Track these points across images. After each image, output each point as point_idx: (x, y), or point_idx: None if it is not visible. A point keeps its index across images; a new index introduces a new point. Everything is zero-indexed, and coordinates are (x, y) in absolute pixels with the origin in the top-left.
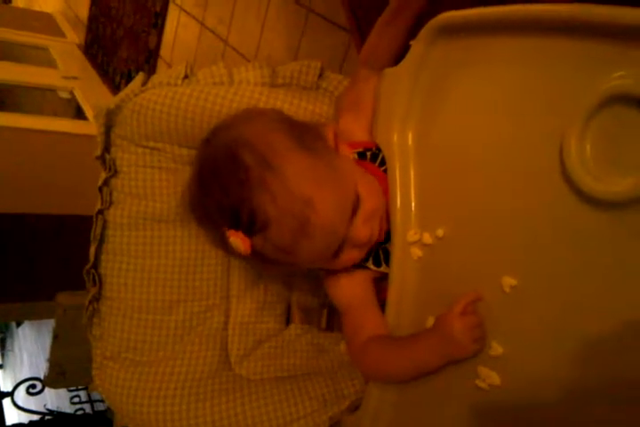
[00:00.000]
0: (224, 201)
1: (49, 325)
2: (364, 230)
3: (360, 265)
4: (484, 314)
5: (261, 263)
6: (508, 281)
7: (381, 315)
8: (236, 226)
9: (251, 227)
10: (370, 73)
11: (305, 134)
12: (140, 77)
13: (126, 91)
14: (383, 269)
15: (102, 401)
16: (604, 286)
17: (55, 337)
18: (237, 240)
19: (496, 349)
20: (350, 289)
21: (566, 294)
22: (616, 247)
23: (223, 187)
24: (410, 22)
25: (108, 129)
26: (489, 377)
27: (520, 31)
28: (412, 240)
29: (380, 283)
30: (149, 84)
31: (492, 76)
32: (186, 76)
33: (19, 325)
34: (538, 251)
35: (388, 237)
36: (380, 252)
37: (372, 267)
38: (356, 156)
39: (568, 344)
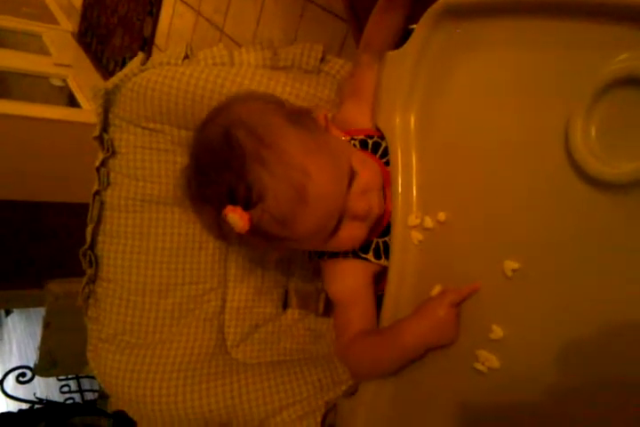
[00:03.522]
0: (220, 178)
1: (39, 314)
2: (362, 202)
3: (360, 257)
4: (486, 297)
5: (259, 243)
6: (511, 265)
7: (373, 309)
8: (234, 201)
9: (248, 200)
10: (371, 59)
11: (297, 114)
12: (138, 58)
13: (125, 71)
14: (383, 262)
15: (92, 391)
16: (605, 269)
17: (46, 325)
18: (235, 216)
19: (497, 332)
20: (347, 282)
21: (568, 278)
22: (617, 230)
23: (219, 164)
24: (408, 6)
25: (107, 109)
26: (488, 360)
27: (524, 14)
28: (413, 224)
29: (380, 279)
30: (149, 64)
31: (496, 59)
32: (186, 57)
33: (8, 314)
34: (540, 234)
35: (387, 230)
36: (381, 244)
37: (371, 259)
38: (357, 143)
39: (568, 328)
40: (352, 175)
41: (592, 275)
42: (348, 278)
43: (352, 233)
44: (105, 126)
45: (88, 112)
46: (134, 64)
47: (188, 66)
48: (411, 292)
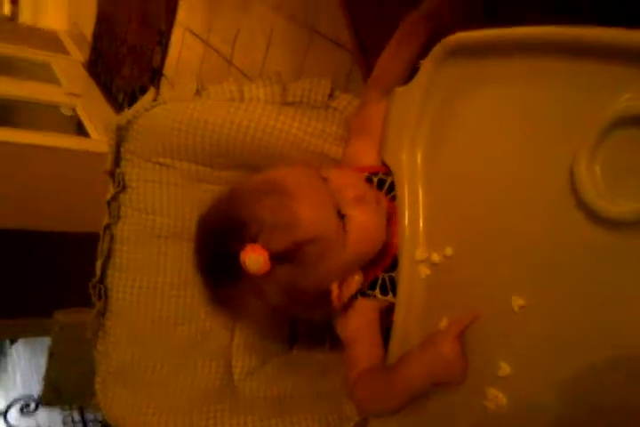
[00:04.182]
0: (228, 226)
1: (43, 344)
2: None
3: (367, 294)
4: (494, 334)
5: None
6: (517, 301)
7: (380, 345)
8: (250, 239)
9: (251, 237)
10: (379, 95)
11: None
12: (150, 93)
13: (137, 106)
14: (390, 297)
15: (95, 422)
16: (609, 305)
17: (51, 355)
18: (254, 255)
19: (504, 369)
20: (354, 321)
21: (574, 314)
22: (621, 267)
23: (227, 218)
24: (422, 45)
25: (119, 144)
26: (496, 398)
27: (529, 52)
28: (420, 259)
29: (388, 312)
30: (160, 100)
31: (502, 97)
32: (197, 92)
33: (12, 343)
34: (546, 271)
35: (393, 265)
36: (387, 280)
37: (378, 296)
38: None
39: (574, 365)
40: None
41: (597, 311)
42: (356, 318)
43: (360, 219)
44: (117, 161)
45: (97, 141)
46: (146, 100)
47: (199, 101)
48: (418, 326)
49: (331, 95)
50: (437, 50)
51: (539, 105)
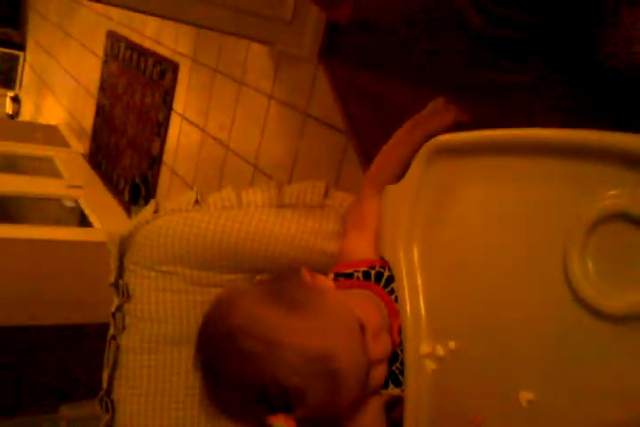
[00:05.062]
0: (249, 392)
1: None
2: (379, 348)
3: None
4: None
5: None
6: (525, 395)
7: None
8: (273, 410)
9: (288, 404)
10: (375, 191)
11: (287, 294)
12: (151, 205)
13: (139, 218)
14: (391, 390)
15: None
16: (615, 396)
17: None
18: (282, 423)
19: None
20: (366, 418)
21: (581, 407)
22: (623, 359)
23: (242, 381)
24: (416, 149)
25: (121, 255)
26: None
27: (516, 152)
28: (425, 353)
29: (390, 407)
30: (161, 212)
31: (492, 193)
32: (196, 202)
33: None
34: (551, 364)
35: (394, 357)
36: (387, 374)
37: (379, 391)
38: (360, 275)
39: None
40: (362, 328)
41: (604, 402)
42: (366, 414)
43: (379, 374)
44: (120, 272)
45: (100, 231)
46: (147, 212)
47: (199, 211)
48: (429, 421)
49: (325, 194)
50: (423, 151)
51: (527, 201)
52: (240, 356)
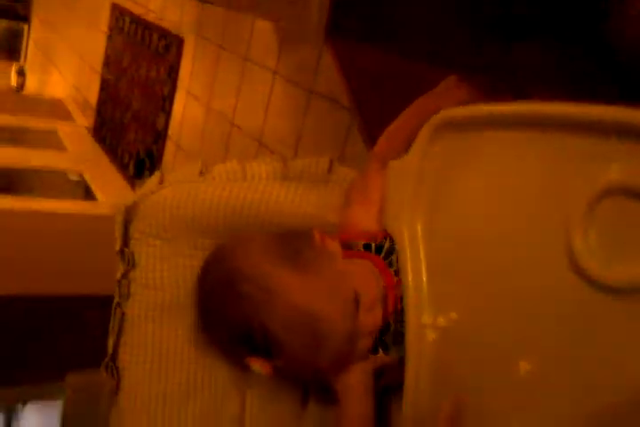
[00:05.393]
0: (236, 332)
1: (55, 405)
2: (369, 321)
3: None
4: (503, 399)
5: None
6: (525, 365)
7: (372, 408)
8: (254, 352)
9: (268, 351)
10: (381, 166)
11: (294, 250)
12: (156, 176)
13: (144, 189)
14: (380, 356)
15: None
16: (613, 366)
17: (63, 418)
18: (258, 366)
19: None
20: (346, 378)
21: (579, 377)
22: (622, 330)
23: (232, 320)
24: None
25: (127, 224)
26: None
27: (516, 126)
28: (426, 323)
29: (383, 370)
30: (166, 183)
31: (496, 168)
32: (201, 173)
33: (24, 405)
34: (551, 334)
35: (386, 328)
36: (378, 341)
37: (369, 355)
38: (360, 247)
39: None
40: (357, 299)
41: (603, 371)
42: (348, 374)
43: (363, 346)
44: (126, 240)
45: (104, 204)
46: (152, 182)
47: (204, 182)
48: (430, 390)
49: (330, 169)
50: (428, 125)
51: (531, 175)
52: (235, 297)
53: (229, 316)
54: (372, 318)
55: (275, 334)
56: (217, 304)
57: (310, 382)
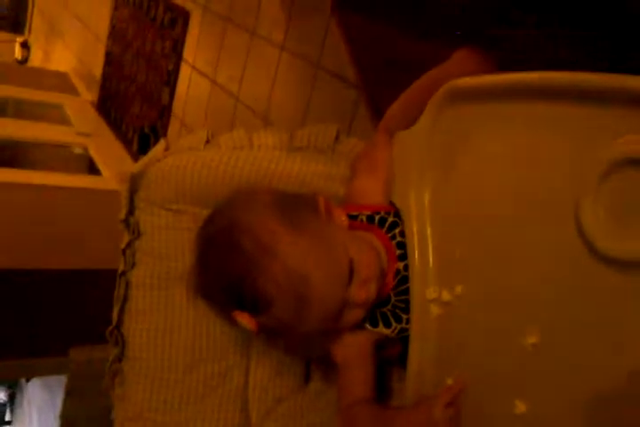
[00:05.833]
0: (226, 284)
1: (59, 379)
2: (361, 293)
3: (358, 326)
4: (507, 372)
5: (271, 337)
6: (530, 339)
7: (372, 378)
8: (241, 306)
9: (255, 307)
10: (389, 137)
11: (297, 211)
12: (162, 143)
13: (149, 156)
14: (380, 329)
15: None
16: (620, 340)
17: (68, 393)
18: (244, 320)
19: (519, 407)
20: (346, 348)
21: (584, 350)
22: (629, 305)
23: (224, 271)
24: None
25: (132, 193)
26: None
27: (527, 97)
28: (431, 298)
29: (385, 343)
30: (172, 150)
31: (504, 139)
32: (207, 141)
33: (28, 380)
34: (557, 308)
35: (386, 301)
36: (378, 315)
37: (368, 327)
38: (364, 218)
39: (589, 400)
40: (352, 269)
41: (605, 347)
42: (348, 344)
43: (354, 316)
44: (131, 209)
45: (108, 179)
46: (158, 150)
47: (210, 150)
48: (433, 364)
49: (337, 139)
50: (438, 95)
51: (540, 147)
52: (230, 247)
53: (223, 266)
54: (365, 291)
55: (263, 290)
56: (213, 253)
57: (301, 349)
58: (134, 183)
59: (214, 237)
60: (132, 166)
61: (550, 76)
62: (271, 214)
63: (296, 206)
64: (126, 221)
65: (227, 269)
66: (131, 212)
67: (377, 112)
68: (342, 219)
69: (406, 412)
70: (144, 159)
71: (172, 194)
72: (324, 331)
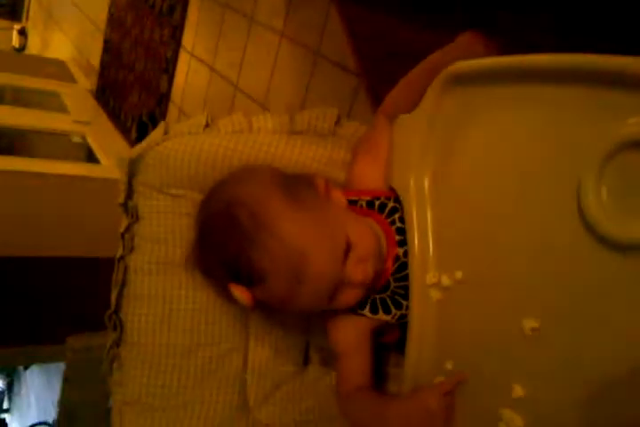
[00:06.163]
0: (223, 257)
1: (58, 367)
2: (358, 272)
3: (356, 313)
4: (505, 356)
5: (266, 311)
6: (529, 323)
7: (370, 365)
8: (237, 280)
9: (250, 280)
10: (389, 122)
11: (296, 188)
12: (161, 127)
13: (148, 140)
14: (380, 316)
15: None
16: (622, 325)
17: (65, 380)
18: (239, 293)
19: (517, 391)
20: (345, 335)
21: (584, 335)
22: (628, 288)
23: (222, 244)
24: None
25: (131, 177)
26: (512, 420)
27: (531, 79)
28: (431, 283)
29: (383, 329)
30: (171, 134)
31: (507, 122)
32: (207, 125)
33: (26, 367)
34: (557, 292)
35: (386, 286)
36: (378, 301)
37: (368, 315)
38: (364, 203)
39: (587, 385)
40: (348, 248)
41: (609, 330)
42: (347, 332)
43: (350, 296)
44: (129, 193)
45: (106, 167)
46: (157, 134)
47: (209, 134)
48: (432, 350)
49: (337, 123)
50: (439, 79)
51: (544, 130)
52: (228, 220)
53: (221, 238)
54: (361, 271)
55: (258, 263)
56: (212, 225)
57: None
58: (133, 167)
59: (214, 210)
60: (131, 150)
61: (555, 59)
62: (270, 190)
63: (295, 184)
64: (125, 205)
65: (224, 241)
66: (129, 196)
67: (376, 99)
68: (341, 200)
69: (404, 400)
70: (142, 143)
71: (170, 178)
72: (319, 311)
